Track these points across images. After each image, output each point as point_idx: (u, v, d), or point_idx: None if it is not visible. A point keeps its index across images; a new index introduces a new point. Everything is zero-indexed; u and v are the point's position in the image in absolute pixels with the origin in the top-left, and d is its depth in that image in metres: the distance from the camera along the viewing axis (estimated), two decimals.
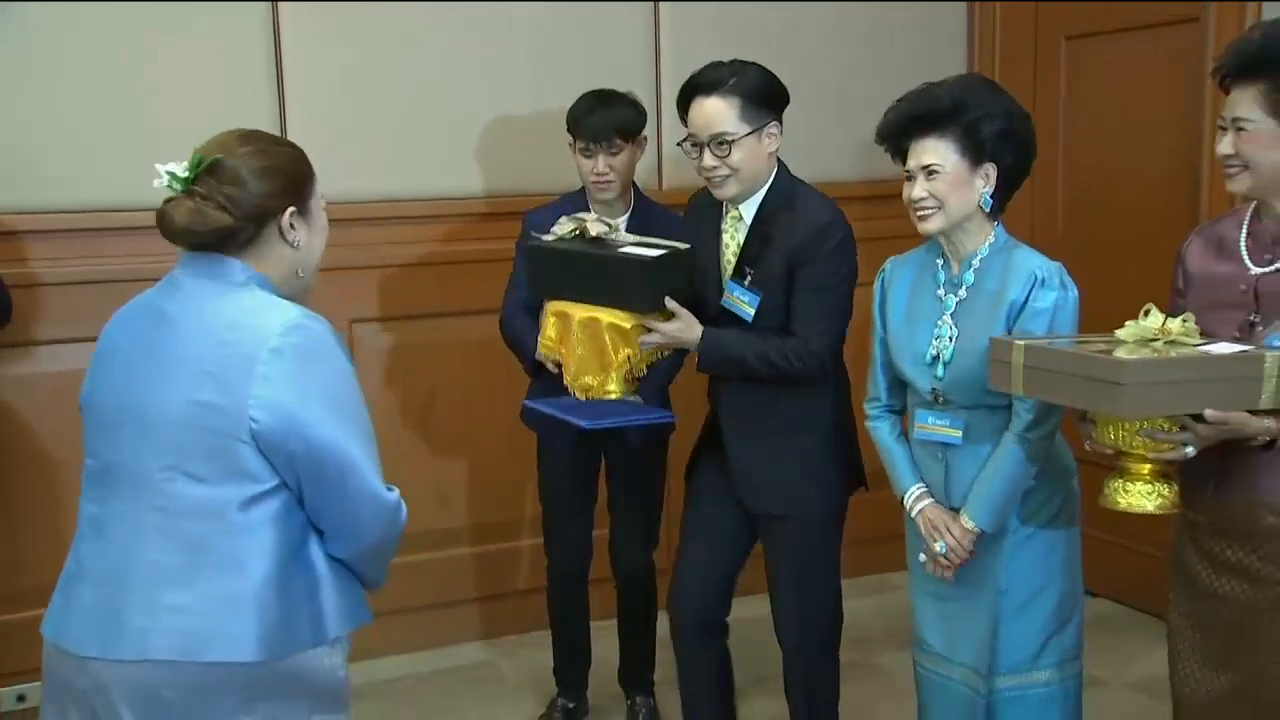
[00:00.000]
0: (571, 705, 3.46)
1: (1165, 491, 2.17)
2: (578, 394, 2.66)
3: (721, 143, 2.58)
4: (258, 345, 1.73)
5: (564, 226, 2.71)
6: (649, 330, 2.60)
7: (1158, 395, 2.02)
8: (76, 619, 1.78)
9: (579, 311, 2.62)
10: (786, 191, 2.69)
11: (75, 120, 3.49)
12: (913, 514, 2.52)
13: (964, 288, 2.43)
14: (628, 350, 2.60)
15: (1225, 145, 2.14)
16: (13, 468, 3.47)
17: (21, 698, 3.49)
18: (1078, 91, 4.24)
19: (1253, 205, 2.22)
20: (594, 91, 3.24)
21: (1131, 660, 3.78)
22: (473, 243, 3.94)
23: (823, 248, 2.61)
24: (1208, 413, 2.03)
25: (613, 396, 2.64)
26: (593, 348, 2.61)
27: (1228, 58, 2.15)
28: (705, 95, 2.61)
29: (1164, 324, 2.12)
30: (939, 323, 2.44)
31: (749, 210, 2.69)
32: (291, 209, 1.85)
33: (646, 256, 2.57)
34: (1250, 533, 2.17)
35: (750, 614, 3.10)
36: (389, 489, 1.86)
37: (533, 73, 3.95)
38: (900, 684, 3.31)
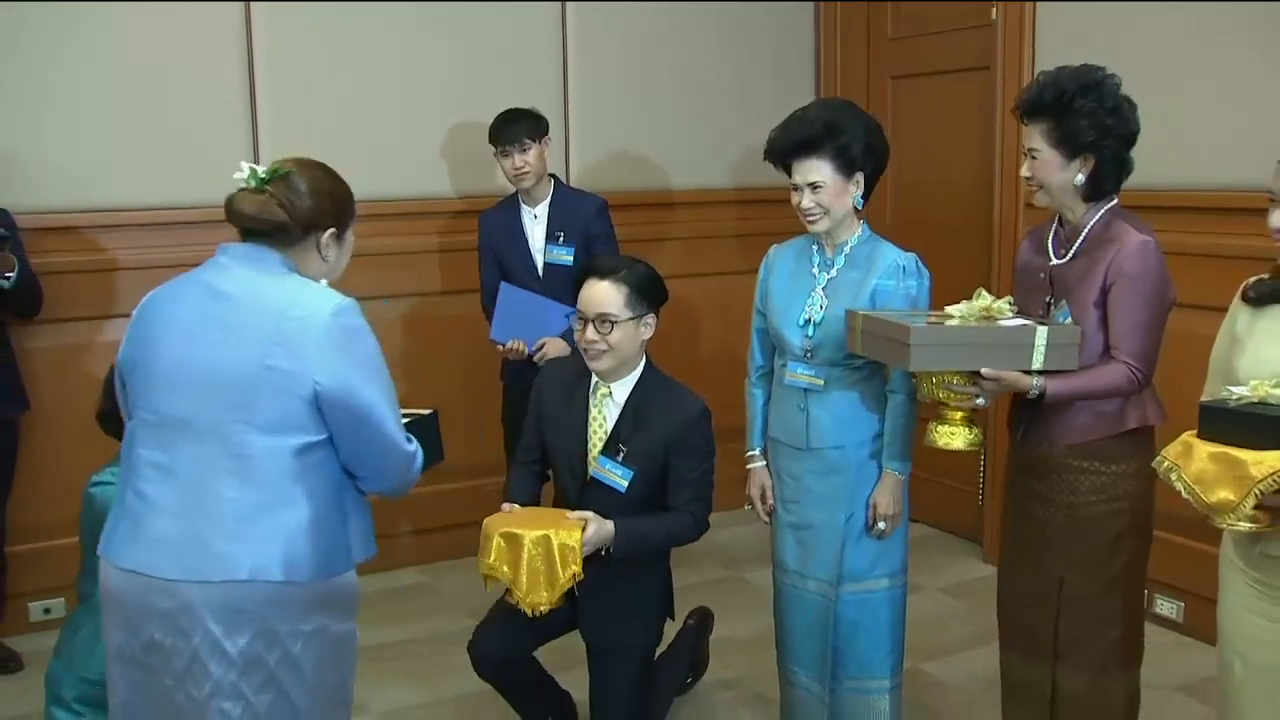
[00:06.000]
0: None
1: (969, 434, 2.36)
2: (528, 611, 2.44)
3: (605, 321, 2.60)
4: (314, 325, 1.85)
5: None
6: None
7: (939, 355, 2.23)
8: (157, 548, 1.84)
9: (530, 531, 2.43)
10: (657, 382, 2.70)
11: (58, 125, 3.56)
12: (747, 466, 2.77)
13: (834, 268, 2.59)
14: (574, 568, 2.43)
15: (1025, 170, 2.35)
16: (37, 422, 3.56)
17: (47, 610, 3.60)
18: (901, 120, 4.59)
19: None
20: (506, 110, 3.61)
21: (942, 570, 4.16)
22: (411, 237, 4.12)
23: (695, 435, 2.64)
24: (984, 370, 2.22)
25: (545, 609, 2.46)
26: (545, 566, 2.43)
27: (1020, 102, 2.34)
28: (599, 279, 2.64)
29: (990, 304, 2.30)
30: (812, 293, 2.59)
31: (621, 391, 2.68)
32: (332, 229, 1.99)
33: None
34: (1046, 467, 2.37)
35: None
36: (408, 439, 1.99)
37: (452, 82, 4.11)
38: (761, 595, 3.49)
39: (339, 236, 2.02)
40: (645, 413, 2.66)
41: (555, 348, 3.47)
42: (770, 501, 2.75)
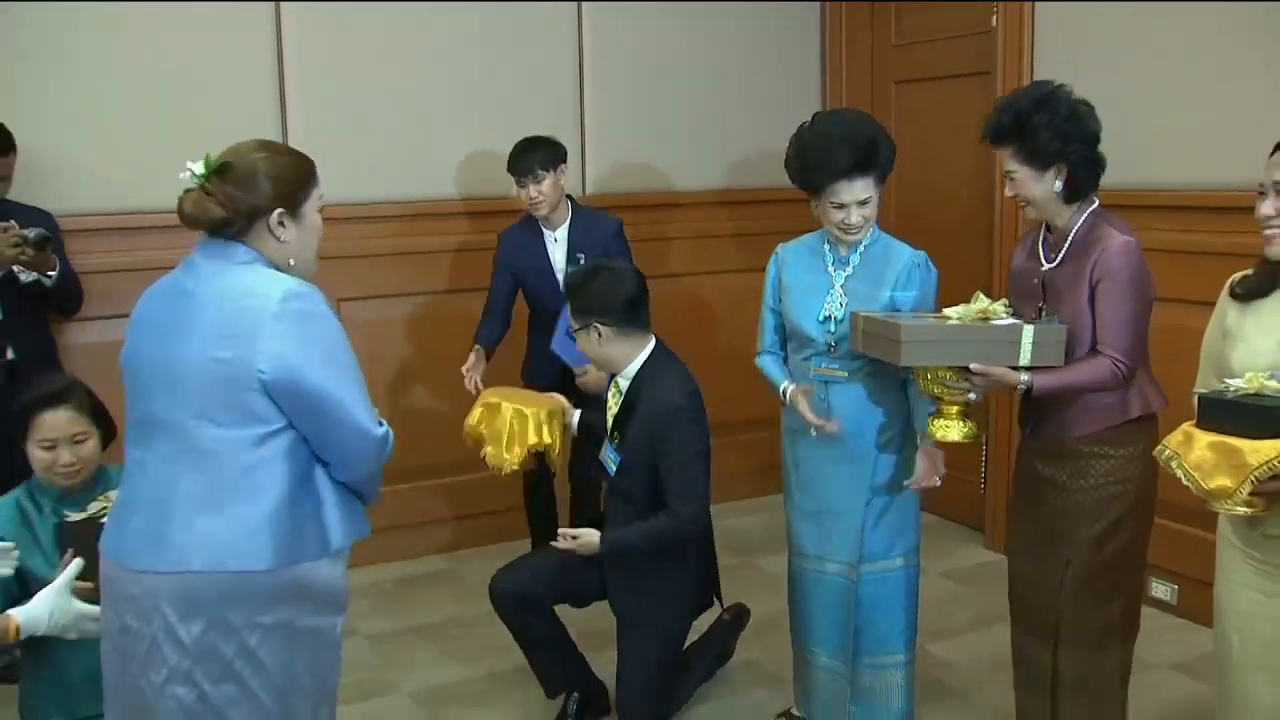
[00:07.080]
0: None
1: (964, 427, 2.42)
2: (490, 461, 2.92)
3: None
4: (262, 311, 1.80)
5: (95, 505, 2.32)
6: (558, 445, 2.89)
7: (928, 350, 2.31)
8: (129, 540, 1.86)
9: (510, 404, 2.90)
10: (653, 371, 2.78)
11: (81, 127, 3.59)
12: (785, 396, 2.70)
13: (850, 266, 2.65)
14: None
15: (1008, 190, 2.43)
16: None
17: None
18: (904, 124, 4.63)
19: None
20: (523, 139, 3.65)
21: (945, 557, 4.22)
22: (432, 237, 4.19)
23: (672, 425, 2.69)
24: (972, 366, 2.28)
25: (513, 468, 2.90)
26: (488, 426, 2.91)
27: (985, 131, 2.40)
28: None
29: (987, 306, 2.36)
30: (831, 291, 2.65)
31: (624, 381, 2.82)
32: (280, 210, 1.89)
33: (68, 520, 2.30)
34: (1058, 455, 2.42)
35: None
36: (379, 424, 1.91)
37: (473, 87, 4.17)
38: (772, 580, 3.62)
39: (293, 215, 1.92)
40: (637, 401, 2.76)
41: (595, 375, 3.42)
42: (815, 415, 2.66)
